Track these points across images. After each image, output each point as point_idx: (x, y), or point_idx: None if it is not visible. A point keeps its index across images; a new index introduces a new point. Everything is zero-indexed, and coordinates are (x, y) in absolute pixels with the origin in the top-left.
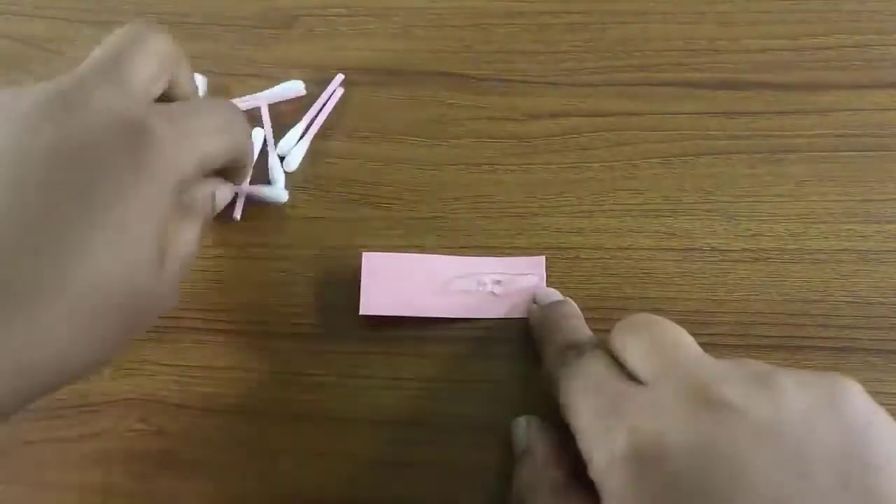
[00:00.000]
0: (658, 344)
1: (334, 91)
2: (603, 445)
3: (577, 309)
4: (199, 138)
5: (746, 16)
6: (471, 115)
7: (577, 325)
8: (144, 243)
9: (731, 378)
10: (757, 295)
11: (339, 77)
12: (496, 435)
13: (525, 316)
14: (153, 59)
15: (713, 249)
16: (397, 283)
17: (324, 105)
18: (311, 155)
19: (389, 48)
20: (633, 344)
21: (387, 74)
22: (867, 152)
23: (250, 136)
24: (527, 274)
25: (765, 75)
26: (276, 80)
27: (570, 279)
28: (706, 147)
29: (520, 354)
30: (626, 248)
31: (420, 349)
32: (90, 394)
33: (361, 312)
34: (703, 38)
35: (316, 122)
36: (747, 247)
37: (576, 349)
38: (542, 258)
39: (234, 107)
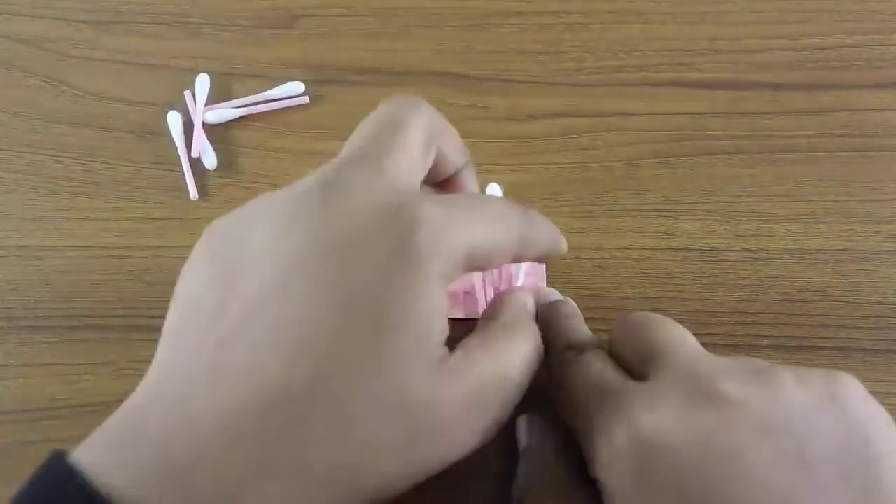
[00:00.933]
0: (658, 341)
1: (291, 97)
2: (603, 442)
3: (577, 308)
4: (469, 224)
5: (746, 16)
6: (471, 115)
7: (577, 324)
8: (415, 338)
9: (731, 374)
10: (757, 295)
11: (300, 86)
12: (497, 435)
13: None
14: (414, 142)
15: (713, 249)
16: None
17: (274, 100)
18: (312, 156)
19: (389, 48)
20: (633, 341)
21: (387, 74)
22: (867, 152)
23: (538, 227)
24: (527, 275)
25: (765, 75)
26: (276, 80)
27: (570, 279)
28: (706, 147)
29: None
30: (626, 248)
31: None
32: (90, 394)
33: None
34: (703, 38)
35: (256, 108)
36: (747, 247)
37: (575, 349)
38: None
39: (509, 201)
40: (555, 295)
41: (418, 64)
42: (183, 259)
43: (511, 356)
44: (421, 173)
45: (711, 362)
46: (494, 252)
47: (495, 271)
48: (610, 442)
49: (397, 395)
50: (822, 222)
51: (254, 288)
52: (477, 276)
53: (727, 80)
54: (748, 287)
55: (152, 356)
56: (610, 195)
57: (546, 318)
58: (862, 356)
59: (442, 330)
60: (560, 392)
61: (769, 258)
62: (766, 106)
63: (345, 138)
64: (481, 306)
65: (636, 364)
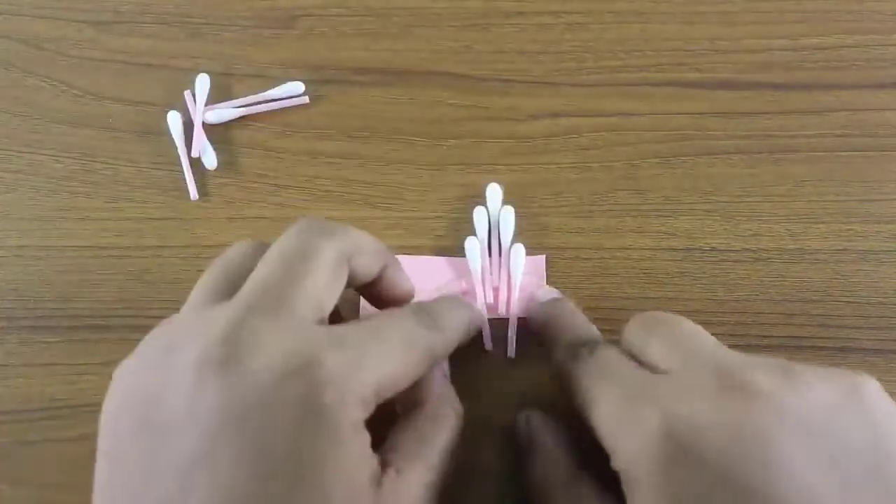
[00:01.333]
0: (678, 335)
1: (290, 97)
2: (632, 432)
3: (577, 308)
4: (374, 363)
5: (746, 16)
6: (471, 115)
7: (583, 321)
8: (344, 488)
9: (758, 367)
10: (757, 295)
11: (300, 86)
12: (496, 435)
13: (525, 315)
14: (322, 270)
15: (713, 249)
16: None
17: (274, 100)
18: (312, 156)
19: (389, 48)
20: (649, 336)
21: (387, 74)
22: (867, 152)
23: (448, 330)
24: (527, 274)
25: (765, 75)
26: (276, 80)
27: (570, 279)
28: (706, 147)
29: (520, 354)
30: (626, 248)
31: None
32: (90, 394)
33: (364, 314)
34: (703, 38)
35: (256, 108)
36: (747, 247)
37: (587, 345)
38: (543, 258)
39: (413, 313)
40: (554, 294)
41: (418, 64)
42: (183, 259)
43: (444, 463)
44: (331, 299)
45: (734, 355)
46: (403, 379)
47: (495, 270)
48: (639, 431)
49: None
50: (822, 222)
51: (180, 458)
52: (477, 276)
53: (727, 80)
54: (748, 287)
55: None
56: (610, 195)
57: (550, 317)
58: (862, 356)
59: (373, 473)
60: (575, 388)
61: (769, 258)
62: (766, 106)
63: (345, 138)
64: (482, 306)
65: (656, 359)
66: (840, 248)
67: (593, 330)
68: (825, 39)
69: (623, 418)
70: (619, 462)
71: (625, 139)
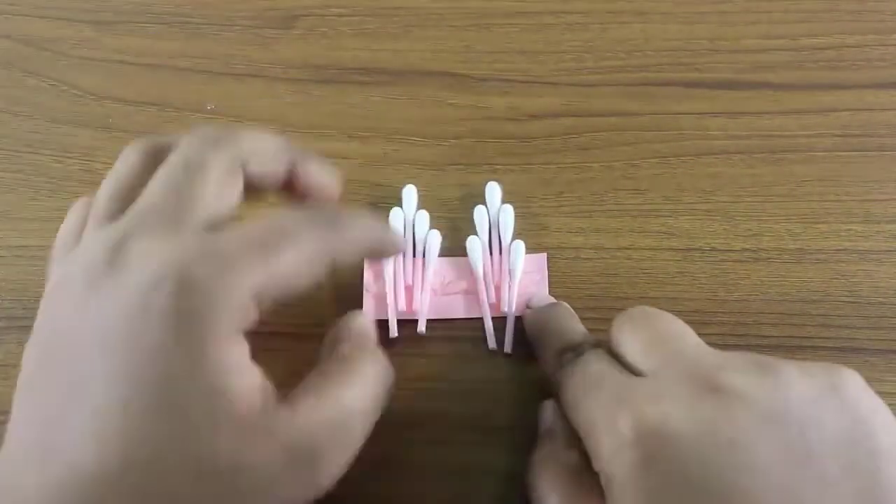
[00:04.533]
0: (658, 335)
1: None
2: (608, 435)
3: (571, 311)
4: (254, 266)
5: (746, 16)
6: (471, 115)
7: (572, 325)
8: (210, 401)
9: (735, 366)
10: (757, 295)
11: None
12: (496, 435)
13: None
14: (211, 183)
15: (713, 249)
16: (399, 285)
17: None
18: None
19: (389, 48)
20: (632, 336)
21: (387, 74)
22: (867, 152)
23: (347, 231)
24: (529, 272)
25: (765, 75)
26: (276, 80)
27: (570, 279)
28: (706, 147)
29: (520, 354)
30: (626, 248)
31: (420, 349)
32: None
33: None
34: (703, 38)
35: None
36: (747, 247)
37: (573, 350)
38: (544, 255)
39: (312, 213)
40: (548, 299)
41: (418, 64)
42: None
43: (346, 398)
44: (225, 209)
45: (714, 356)
46: (291, 280)
47: (496, 267)
48: (615, 434)
49: (208, 462)
50: (822, 222)
51: (72, 374)
52: (479, 274)
53: (727, 80)
54: (748, 287)
55: None
56: (610, 195)
57: (539, 322)
58: (862, 356)
59: (249, 385)
60: (561, 394)
61: (769, 258)
62: (766, 106)
63: (345, 138)
64: (483, 305)
65: (637, 360)
66: (840, 248)
67: (581, 331)
68: (825, 39)
69: (600, 421)
70: (597, 464)
71: (625, 139)
